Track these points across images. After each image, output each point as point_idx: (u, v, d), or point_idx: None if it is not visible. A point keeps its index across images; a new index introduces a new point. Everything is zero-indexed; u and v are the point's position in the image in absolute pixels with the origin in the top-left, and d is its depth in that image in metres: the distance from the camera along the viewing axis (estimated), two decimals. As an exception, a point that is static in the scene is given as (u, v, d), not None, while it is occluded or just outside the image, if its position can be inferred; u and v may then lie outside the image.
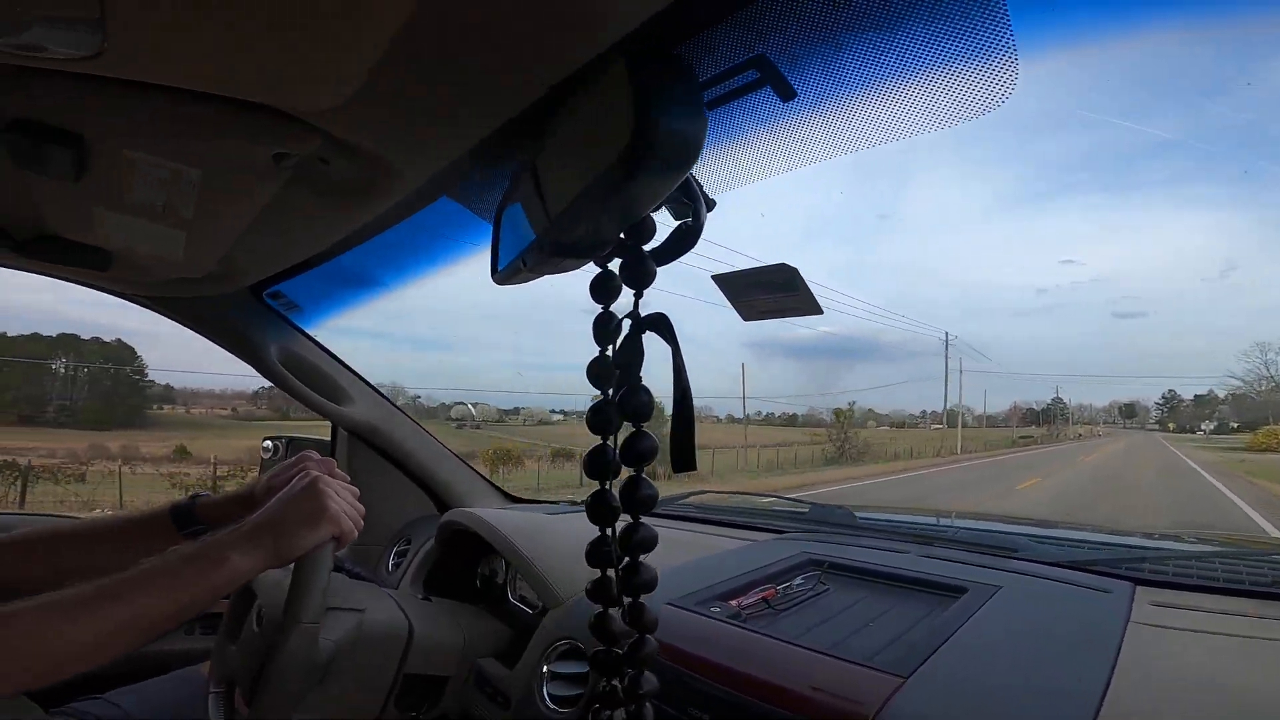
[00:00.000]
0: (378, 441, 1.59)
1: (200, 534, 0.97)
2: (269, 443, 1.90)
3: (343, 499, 0.86)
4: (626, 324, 0.51)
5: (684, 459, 0.47)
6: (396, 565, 1.60)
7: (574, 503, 1.81)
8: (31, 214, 0.93)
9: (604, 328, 0.51)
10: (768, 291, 0.67)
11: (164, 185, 0.77)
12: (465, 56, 0.50)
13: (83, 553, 0.97)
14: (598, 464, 0.51)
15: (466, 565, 1.37)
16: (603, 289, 0.51)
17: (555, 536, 1.21)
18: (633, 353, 0.49)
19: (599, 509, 0.52)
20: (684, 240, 0.49)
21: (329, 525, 0.82)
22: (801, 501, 1.66)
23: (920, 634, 0.84)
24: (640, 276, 0.49)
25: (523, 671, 1.01)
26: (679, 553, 1.21)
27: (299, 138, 0.64)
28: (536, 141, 0.58)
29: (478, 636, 1.10)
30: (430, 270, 1.19)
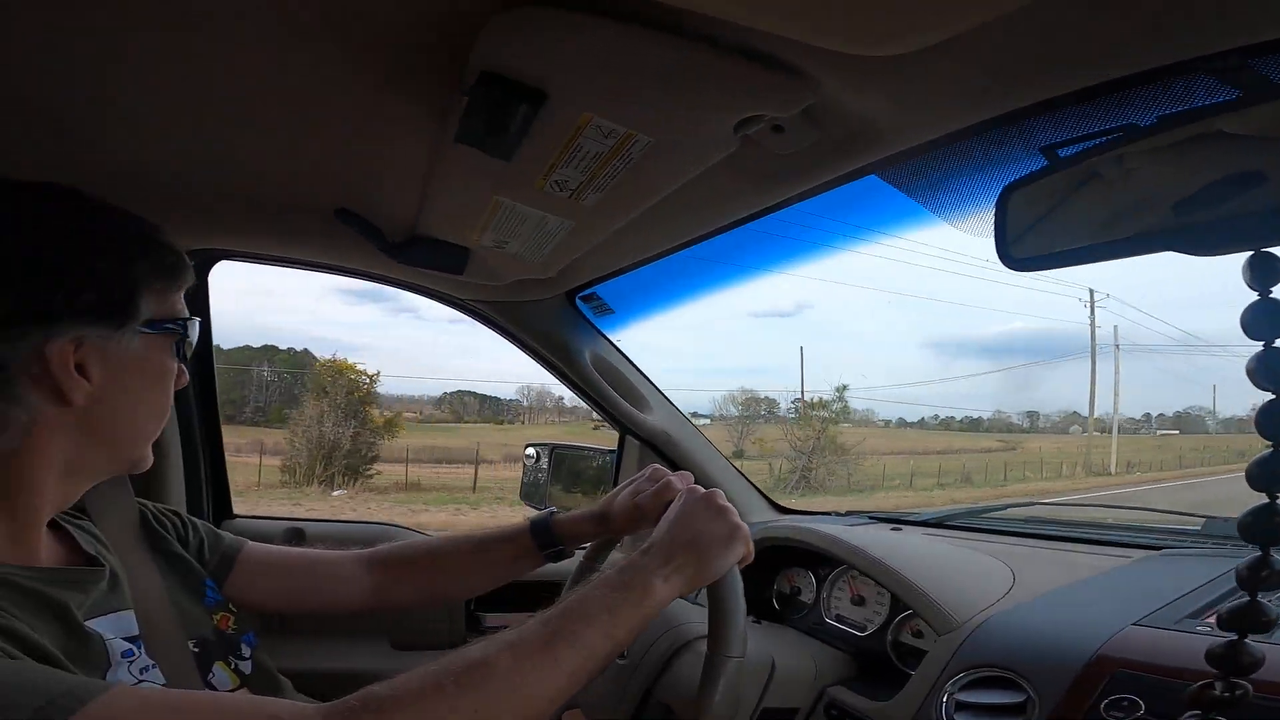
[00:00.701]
0: (671, 451, 1.50)
1: (561, 554, 0.93)
2: (531, 450, 1.88)
3: None
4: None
5: None
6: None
7: (870, 515, 1.59)
8: (411, 212, 0.90)
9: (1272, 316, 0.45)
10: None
11: (595, 164, 0.68)
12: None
13: (452, 574, 0.93)
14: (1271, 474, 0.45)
15: (757, 581, 1.25)
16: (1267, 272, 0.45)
17: (915, 555, 1.09)
18: None
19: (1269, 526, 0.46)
20: None
21: (742, 545, 0.73)
22: (1192, 515, 1.36)
23: None
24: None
25: (908, 701, 0.89)
26: (1050, 571, 1.07)
27: (787, 96, 0.57)
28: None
29: (824, 663, 1.02)
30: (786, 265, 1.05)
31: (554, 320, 1.31)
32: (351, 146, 0.78)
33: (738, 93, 0.58)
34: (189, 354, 0.68)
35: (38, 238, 0.58)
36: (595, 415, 1.58)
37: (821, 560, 1.19)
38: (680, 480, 0.86)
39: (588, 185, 0.73)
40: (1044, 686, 0.76)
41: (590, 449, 1.84)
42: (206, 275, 1.19)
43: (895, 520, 1.49)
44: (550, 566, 0.94)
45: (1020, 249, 0.59)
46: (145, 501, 0.79)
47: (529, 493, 1.80)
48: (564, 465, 1.81)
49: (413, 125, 0.71)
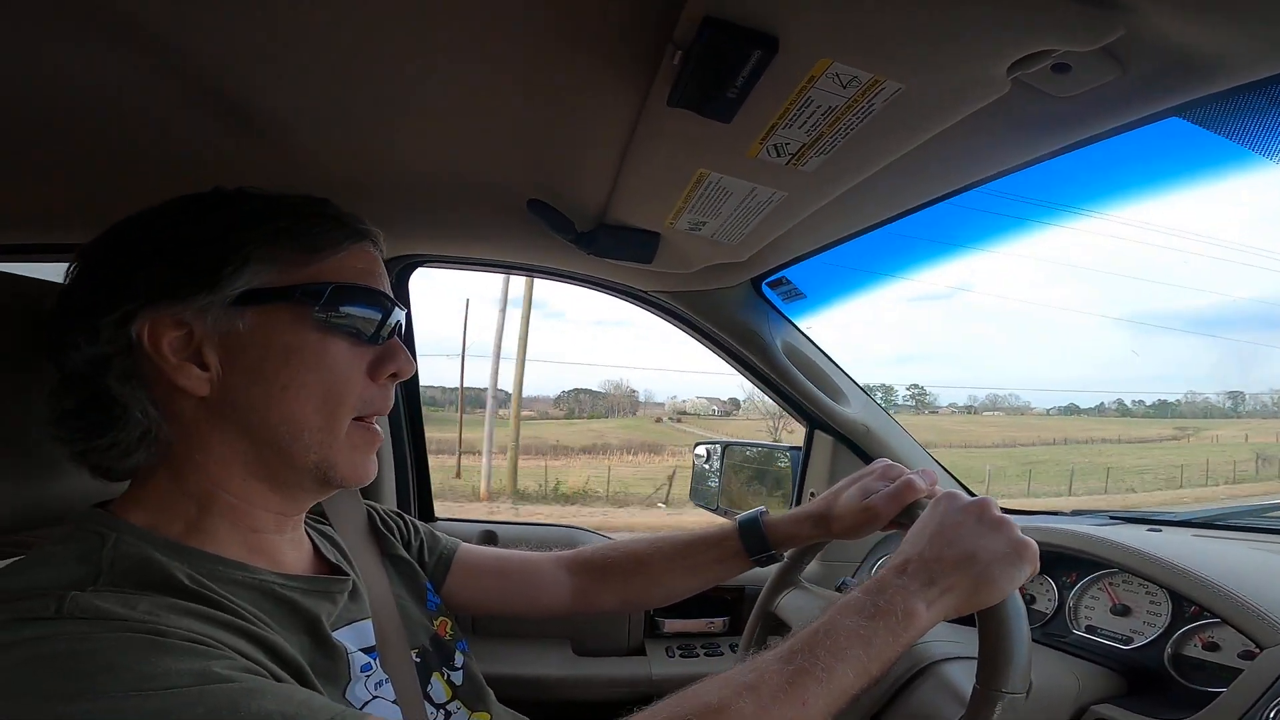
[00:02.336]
0: (871, 446, 1.37)
1: (772, 559, 0.85)
2: (702, 449, 1.81)
3: None
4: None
5: None
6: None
7: (1111, 515, 1.37)
8: (602, 197, 0.85)
9: None
10: None
11: (825, 121, 0.58)
12: None
13: (654, 579, 0.87)
14: None
15: None
16: None
17: (1211, 559, 0.94)
18: None
19: None
20: None
21: (1030, 564, 0.60)
22: None
23: None
24: None
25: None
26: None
27: (1091, 28, 0.47)
28: None
29: (1085, 679, 0.91)
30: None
31: (740, 308, 1.23)
32: (545, 128, 0.74)
33: (1022, 25, 0.47)
34: (368, 329, 0.57)
35: (121, 226, 0.55)
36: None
37: (1062, 564, 1.06)
38: (923, 480, 0.75)
39: (811, 148, 0.63)
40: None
41: (768, 446, 1.74)
42: (406, 282, 1.24)
43: (1144, 520, 1.29)
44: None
45: None
46: (372, 504, 0.80)
47: (700, 493, 1.74)
48: (738, 464, 1.73)
49: (613, 94, 0.65)
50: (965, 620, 0.62)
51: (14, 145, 0.78)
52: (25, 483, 0.59)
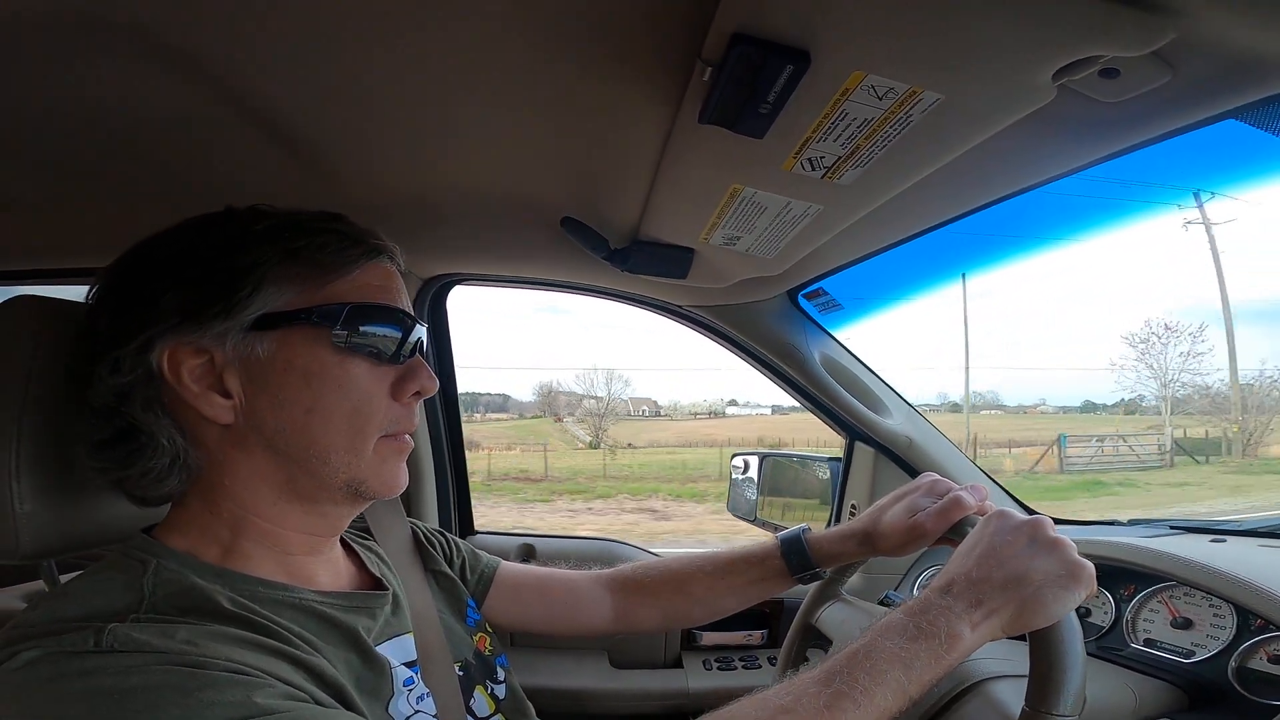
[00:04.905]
0: (915, 458, 1.33)
1: (815, 577, 0.84)
2: (739, 460, 1.79)
3: None
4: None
5: None
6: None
7: (1171, 524, 1.29)
8: (635, 214, 0.86)
9: None
10: None
11: (862, 134, 0.57)
12: None
13: (696, 598, 0.86)
14: None
15: None
16: None
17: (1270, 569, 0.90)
18: None
19: None
20: None
21: (1085, 587, 0.58)
22: None
23: None
24: None
25: None
26: None
27: (1141, 32, 0.45)
28: None
29: (1143, 693, 0.89)
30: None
31: (777, 321, 1.22)
32: (577, 147, 0.74)
33: (1068, 31, 0.45)
34: (389, 348, 0.56)
35: (137, 250, 0.55)
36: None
37: (1119, 576, 1.02)
38: (973, 496, 0.72)
39: (847, 160, 0.62)
40: None
41: (808, 457, 1.71)
42: (444, 300, 1.27)
43: (1207, 530, 1.22)
44: None
45: None
46: (415, 521, 0.80)
47: (738, 505, 1.72)
48: (776, 475, 1.71)
49: (645, 112, 0.65)
50: (1017, 636, 0.60)
51: (52, 168, 0.80)
52: (86, 503, 0.60)
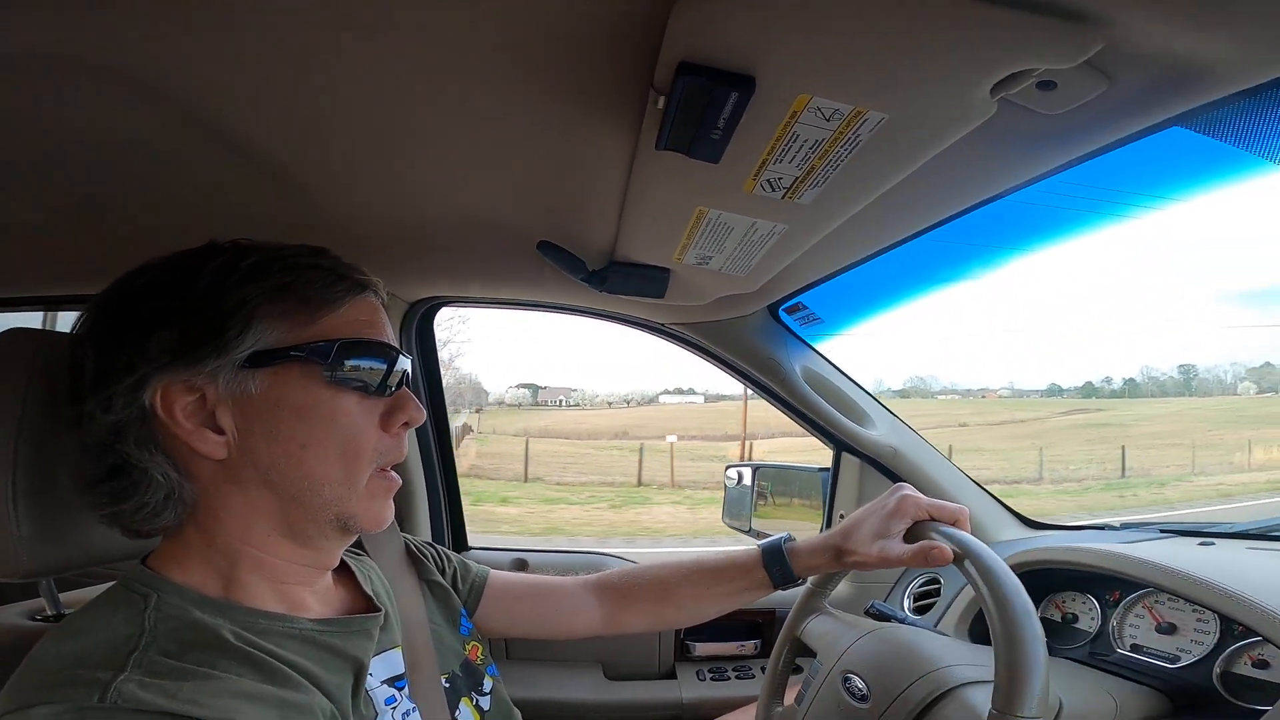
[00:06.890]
0: (900, 467, 1.34)
1: (795, 584, 0.85)
2: (733, 471, 1.80)
3: None
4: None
5: None
6: (921, 609, 1.32)
7: (1161, 528, 1.31)
8: (609, 236, 0.87)
9: None
10: None
11: (815, 154, 0.59)
12: None
13: (680, 604, 0.88)
14: None
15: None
16: None
17: (1268, 575, 0.90)
18: None
19: None
20: None
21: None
22: None
23: None
24: None
25: None
26: None
27: (1068, 43, 0.46)
28: None
29: (1125, 699, 0.89)
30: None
31: (759, 336, 1.23)
32: (549, 173, 0.76)
33: (998, 46, 0.46)
34: (375, 381, 0.57)
35: (125, 284, 0.55)
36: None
37: (1105, 582, 1.04)
38: (941, 538, 0.70)
39: (804, 180, 0.64)
40: None
41: (799, 468, 1.72)
42: (431, 321, 1.28)
43: (1197, 533, 1.23)
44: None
45: None
46: (406, 535, 0.82)
47: (733, 514, 1.73)
48: (769, 485, 1.72)
49: (607, 139, 0.67)
50: (989, 642, 0.61)
51: (30, 198, 0.82)
52: (82, 525, 0.61)
